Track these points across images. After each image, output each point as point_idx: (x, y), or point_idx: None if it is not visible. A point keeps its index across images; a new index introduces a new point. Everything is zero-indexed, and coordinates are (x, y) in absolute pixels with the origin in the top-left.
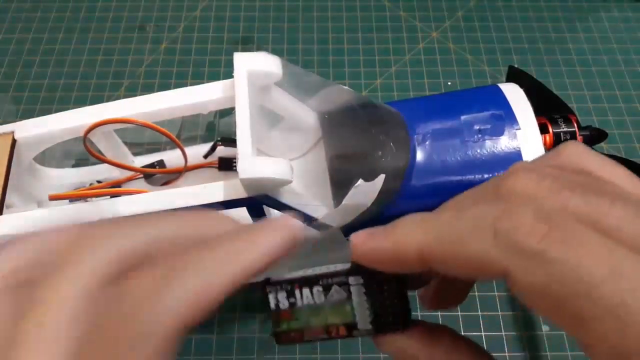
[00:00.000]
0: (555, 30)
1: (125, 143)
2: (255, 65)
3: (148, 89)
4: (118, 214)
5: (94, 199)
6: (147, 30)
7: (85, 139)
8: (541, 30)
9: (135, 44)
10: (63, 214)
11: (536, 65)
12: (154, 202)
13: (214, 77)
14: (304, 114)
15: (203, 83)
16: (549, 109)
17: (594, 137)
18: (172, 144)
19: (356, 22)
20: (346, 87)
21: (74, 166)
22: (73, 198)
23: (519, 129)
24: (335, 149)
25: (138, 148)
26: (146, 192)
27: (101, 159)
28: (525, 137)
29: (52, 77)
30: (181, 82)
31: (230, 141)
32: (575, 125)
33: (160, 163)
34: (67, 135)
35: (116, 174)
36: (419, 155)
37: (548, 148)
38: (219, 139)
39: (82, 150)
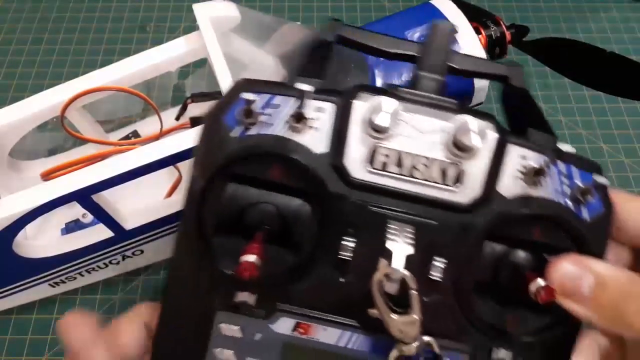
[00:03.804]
0: (555, 30)
1: (98, 121)
2: (215, 12)
3: None
4: (115, 172)
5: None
6: (147, 31)
7: (62, 117)
8: (541, 30)
9: (135, 44)
10: (60, 185)
11: (536, 65)
12: (142, 157)
13: None
14: (264, 58)
15: (204, 82)
16: (477, 17)
17: (518, 33)
18: (141, 115)
19: (356, 22)
20: (298, 24)
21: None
22: (65, 168)
23: (457, 33)
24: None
25: (109, 125)
26: (136, 147)
27: (79, 137)
28: (464, 40)
29: (52, 78)
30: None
31: (201, 96)
32: (503, 25)
33: (135, 134)
34: (45, 116)
35: (92, 152)
36: (377, 74)
37: (484, 46)
38: (188, 96)
39: (50, 146)
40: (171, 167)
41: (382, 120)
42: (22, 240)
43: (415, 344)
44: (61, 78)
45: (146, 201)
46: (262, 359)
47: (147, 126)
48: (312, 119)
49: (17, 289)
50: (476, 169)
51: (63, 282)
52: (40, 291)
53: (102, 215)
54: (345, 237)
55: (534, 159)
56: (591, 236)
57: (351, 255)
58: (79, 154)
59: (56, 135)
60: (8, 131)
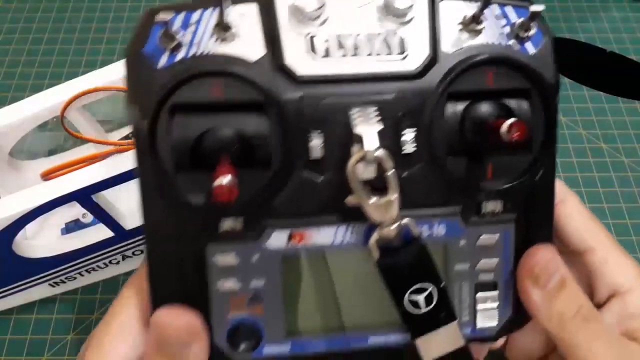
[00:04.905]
0: (555, 30)
1: (98, 121)
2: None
3: None
4: (115, 172)
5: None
6: None
7: (62, 117)
8: None
9: None
10: (60, 185)
11: None
12: None
13: None
14: None
15: None
16: None
17: None
18: None
19: None
20: None
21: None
22: (65, 168)
23: None
24: None
25: (109, 125)
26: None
27: (79, 137)
28: None
29: (52, 78)
30: None
31: None
32: None
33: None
34: (45, 116)
35: (92, 152)
36: None
37: None
38: None
39: (50, 146)
40: None
41: (309, 4)
42: (22, 240)
43: (394, 226)
44: (61, 78)
45: None
46: (266, 278)
47: None
48: (237, 26)
49: (17, 289)
50: (417, 33)
51: (63, 282)
52: (40, 291)
53: (102, 215)
54: (311, 137)
55: (468, 8)
56: (539, 66)
57: (322, 153)
58: (79, 154)
59: (56, 135)
60: (8, 131)
